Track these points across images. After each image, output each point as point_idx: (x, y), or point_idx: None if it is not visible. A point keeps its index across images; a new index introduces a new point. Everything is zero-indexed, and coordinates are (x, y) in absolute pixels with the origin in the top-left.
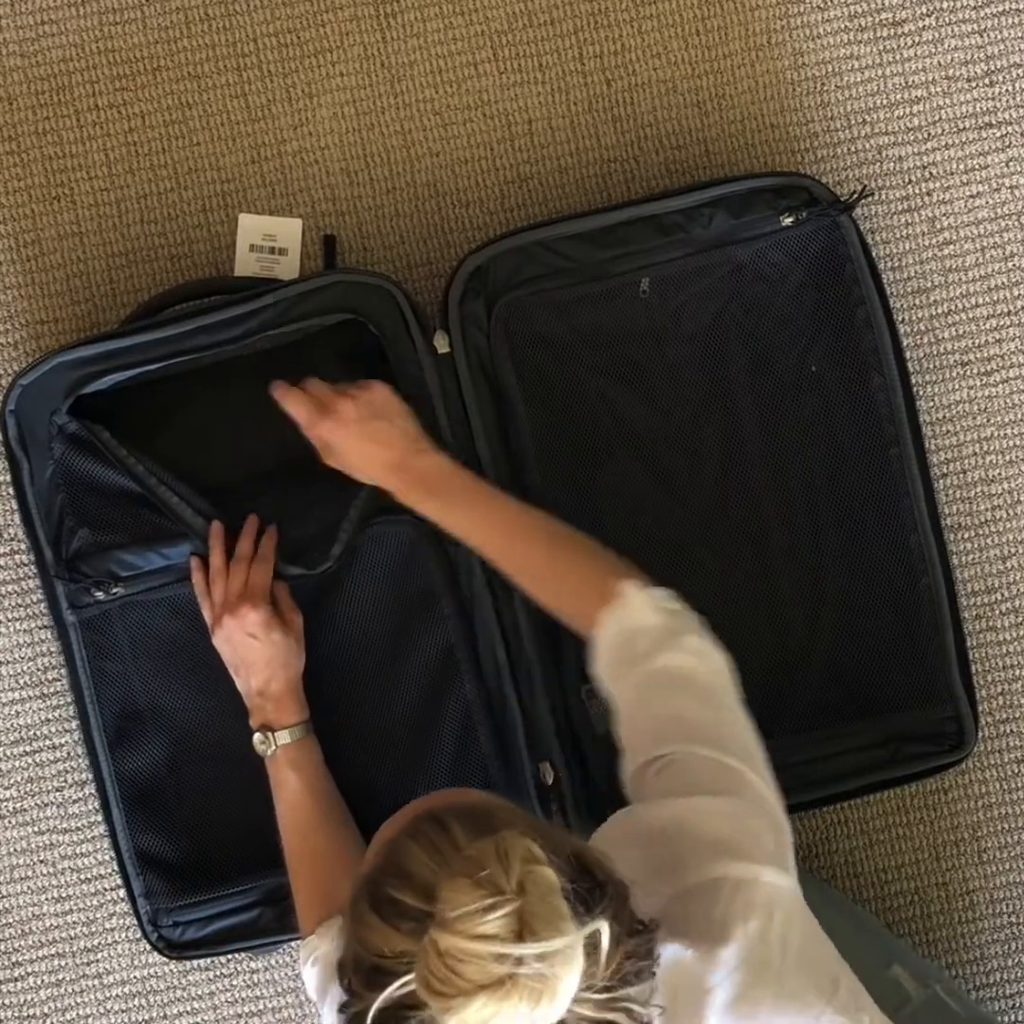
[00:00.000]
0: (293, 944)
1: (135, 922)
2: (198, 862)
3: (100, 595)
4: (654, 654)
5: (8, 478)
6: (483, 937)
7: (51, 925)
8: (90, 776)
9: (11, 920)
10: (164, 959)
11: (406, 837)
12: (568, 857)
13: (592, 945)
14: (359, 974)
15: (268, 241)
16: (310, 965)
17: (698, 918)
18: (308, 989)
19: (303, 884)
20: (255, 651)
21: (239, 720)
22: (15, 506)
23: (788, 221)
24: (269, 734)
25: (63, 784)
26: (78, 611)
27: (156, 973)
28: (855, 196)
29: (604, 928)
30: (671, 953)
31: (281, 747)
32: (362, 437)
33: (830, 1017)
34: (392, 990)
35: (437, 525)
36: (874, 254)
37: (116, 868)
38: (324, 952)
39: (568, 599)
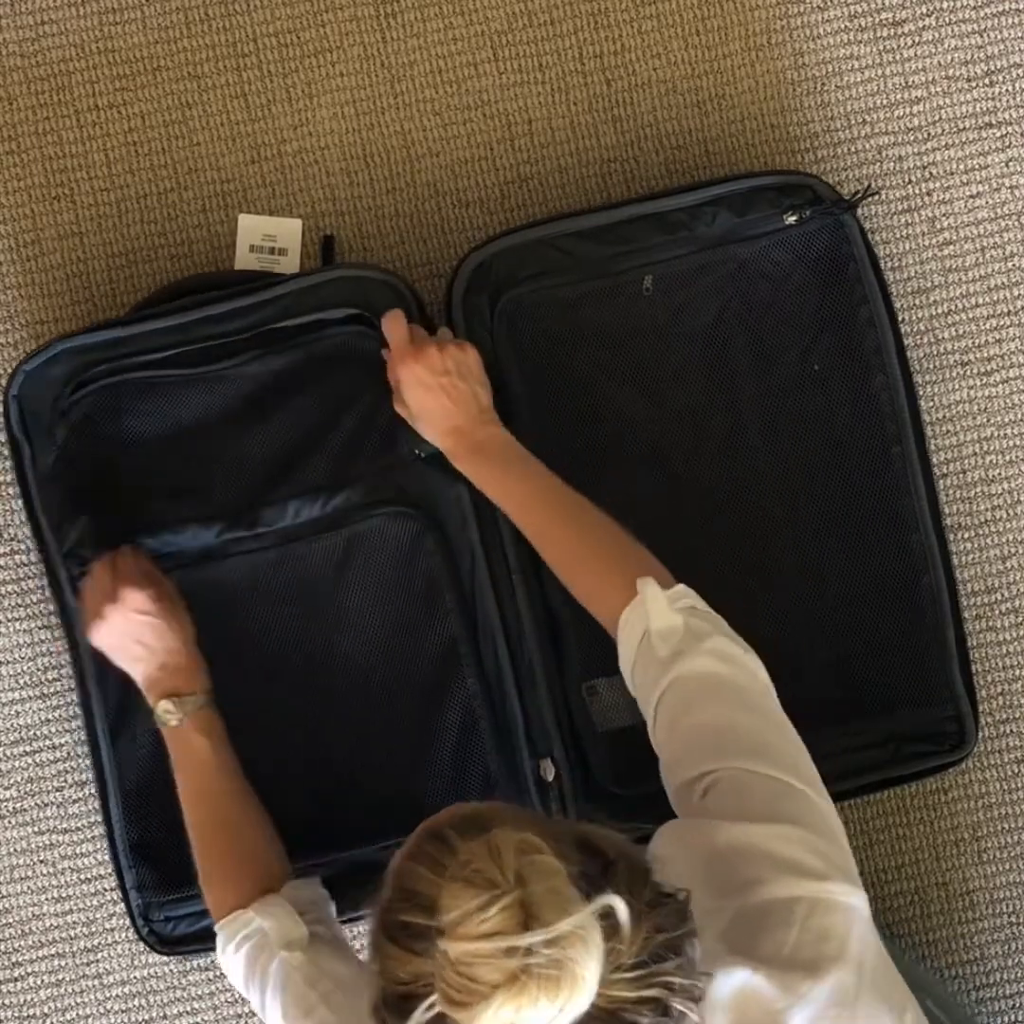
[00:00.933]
0: None
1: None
2: (192, 857)
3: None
4: (676, 659)
5: (9, 470)
6: (488, 935)
7: (51, 925)
8: (90, 776)
9: (11, 920)
10: (164, 959)
11: (409, 860)
12: (574, 843)
13: (610, 925)
14: (390, 1009)
15: (268, 241)
16: (234, 950)
17: (769, 939)
18: (232, 978)
19: (219, 856)
20: (151, 627)
21: (237, 713)
22: (16, 494)
23: (792, 220)
24: (177, 700)
25: (63, 784)
26: (79, 597)
27: (156, 973)
28: (859, 195)
29: (618, 903)
30: (740, 979)
31: (190, 714)
32: (437, 390)
33: None
34: (419, 1014)
35: (483, 491)
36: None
37: (110, 861)
38: (257, 929)
39: (591, 586)
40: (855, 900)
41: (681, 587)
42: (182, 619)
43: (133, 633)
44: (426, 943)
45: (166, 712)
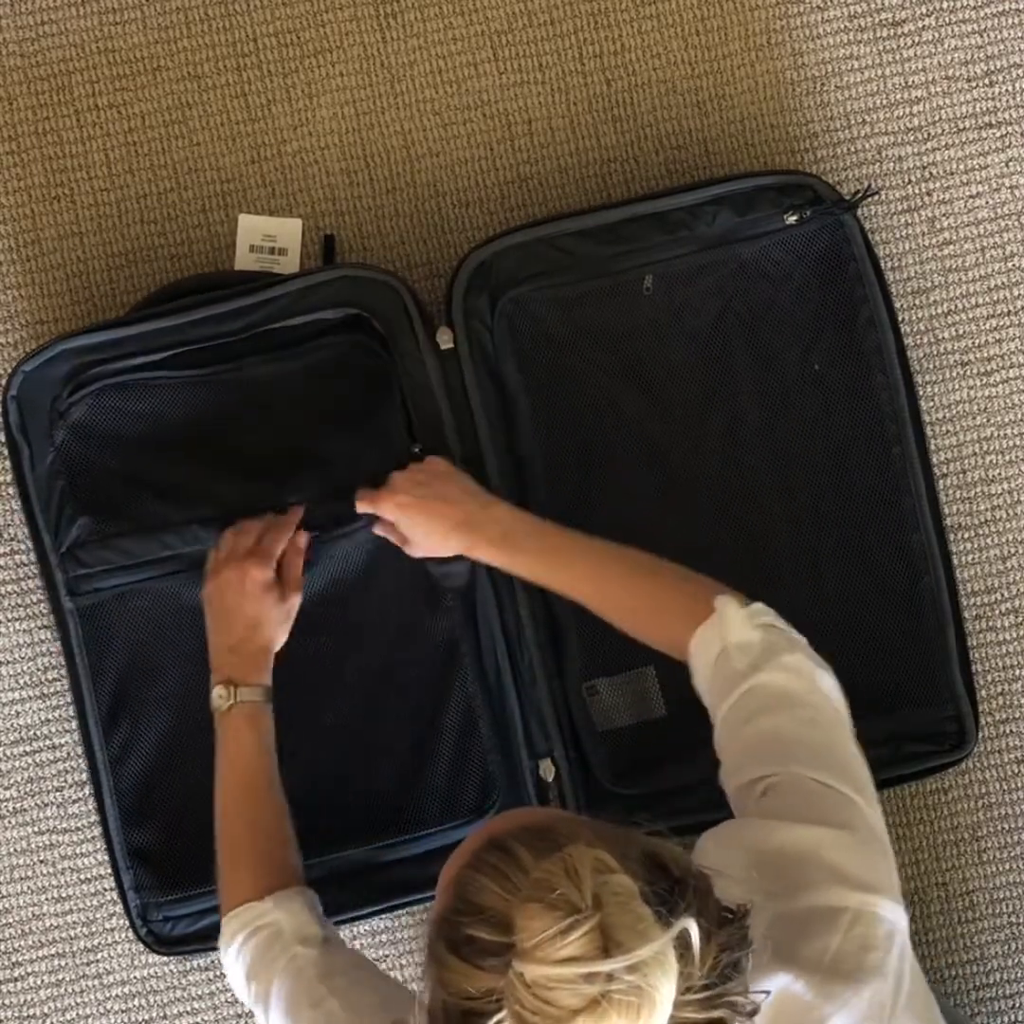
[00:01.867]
0: None
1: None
2: (189, 857)
3: (99, 584)
4: (752, 672)
5: (8, 470)
6: (568, 960)
7: (51, 925)
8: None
9: (11, 920)
10: (164, 959)
11: (471, 870)
12: (641, 858)
13: (683, 946)
14: (452, 1021)
15: (268, 241)
16: (244, 939)
17: (811, 945)
18: (233, 968)
19: (244, 846)
20: (244, 608)
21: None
22: (15, 493)
23: (792, 219)
24: (232, 688)
25: (63, 784)
26: (76, 599)
27: (156, 973)
28: (860, 195)
29: (691, 926)
30: (780, 983)
31: (241, 703)
32: (426, 500)
33: None
34: None
35: (520, 577)
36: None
37: (108, 862)
38: (273, 921)
39: (660, 626)
40: (899, 918)
41: (759, 605)
42: (278, 620)
43: (229, 602)
44: (496, 960)
45: (219, 696)
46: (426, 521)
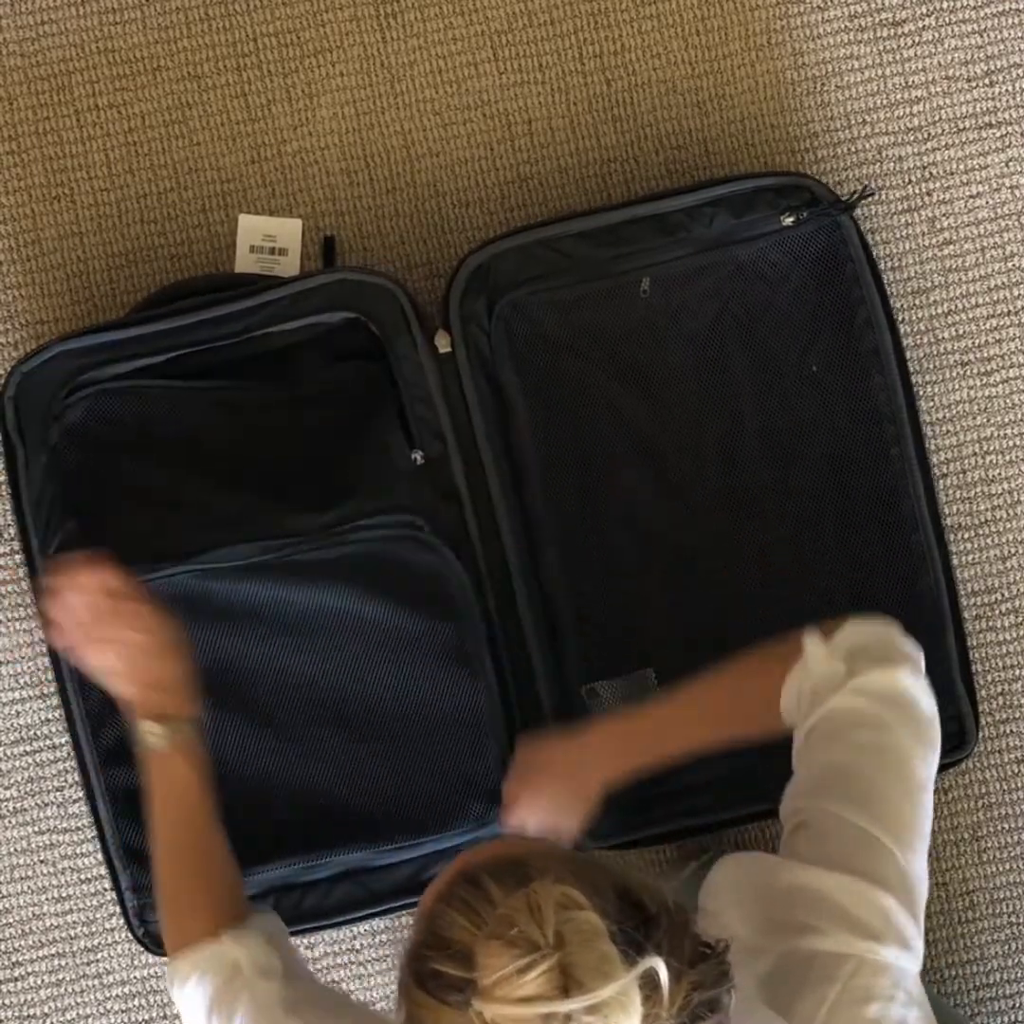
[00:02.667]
0: None
1: None
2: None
3: None
4: (825, 701)
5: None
6: (526, 999)
7: (51, 925)
8: None
9: (11, 920)
10: (164, 958)
11: (442, 903)
12: (613, 894)
13: (650, 985)
14: None
15: (268, 241)
16: (198, 980)
17: (809, 997)
18: (189, 1009)
19: (188, 884)
20: (139, 644)
21: (224, 715)
22: (9, 494)
23: (789, 221)
24: (164, 722)
25: (63, 784)
26: None
27: (156, 973)
28: (856, 196)
29: (659, 965)
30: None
31: (175, 739)
32: (540, 794)
33: None
34: None
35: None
36: (874, 254)
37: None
38: (230, 959)
39: (769, 700)
40: (909, 964)
41: (852, 625)
42: (175, 639)
43: (123, 649)
44: (460, 996)
45: (150, 733)
46: (557, 808)
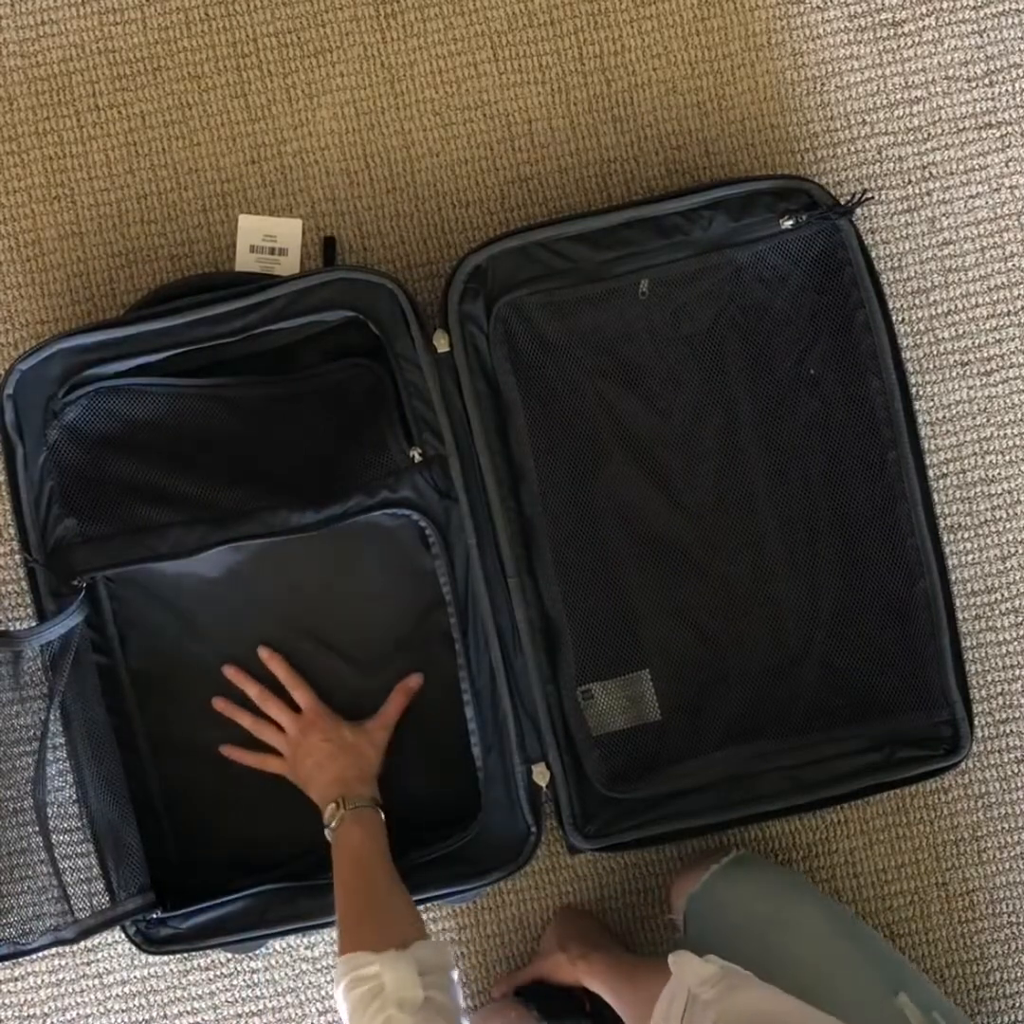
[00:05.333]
0: (275, 944)
1: None
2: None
3: (77, 583)
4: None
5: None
6: None
7: (51, 925)
8: None
9: (12, 920)
10: (164, 958)
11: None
12: None
13: None
14: None
15: (268, 241)
16: (347, 988)
17: None
18: (341, 1013)
19: (359, 908)
20: (327, 752)
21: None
22: (8, 492)
23: (788, 224)
24: (341, 801)
25: (64, 784)
26: (57, 600)
27: (156, 973)
28: (855, 200)
29: None
30: None
31: (351, 811)
32: None
33: None
34: None
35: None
36: (874, 254)
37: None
38: (375, 976)
39: None
40: None
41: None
42: (366, 749)
43: (315, 756)
44: None
45: (330, 814)
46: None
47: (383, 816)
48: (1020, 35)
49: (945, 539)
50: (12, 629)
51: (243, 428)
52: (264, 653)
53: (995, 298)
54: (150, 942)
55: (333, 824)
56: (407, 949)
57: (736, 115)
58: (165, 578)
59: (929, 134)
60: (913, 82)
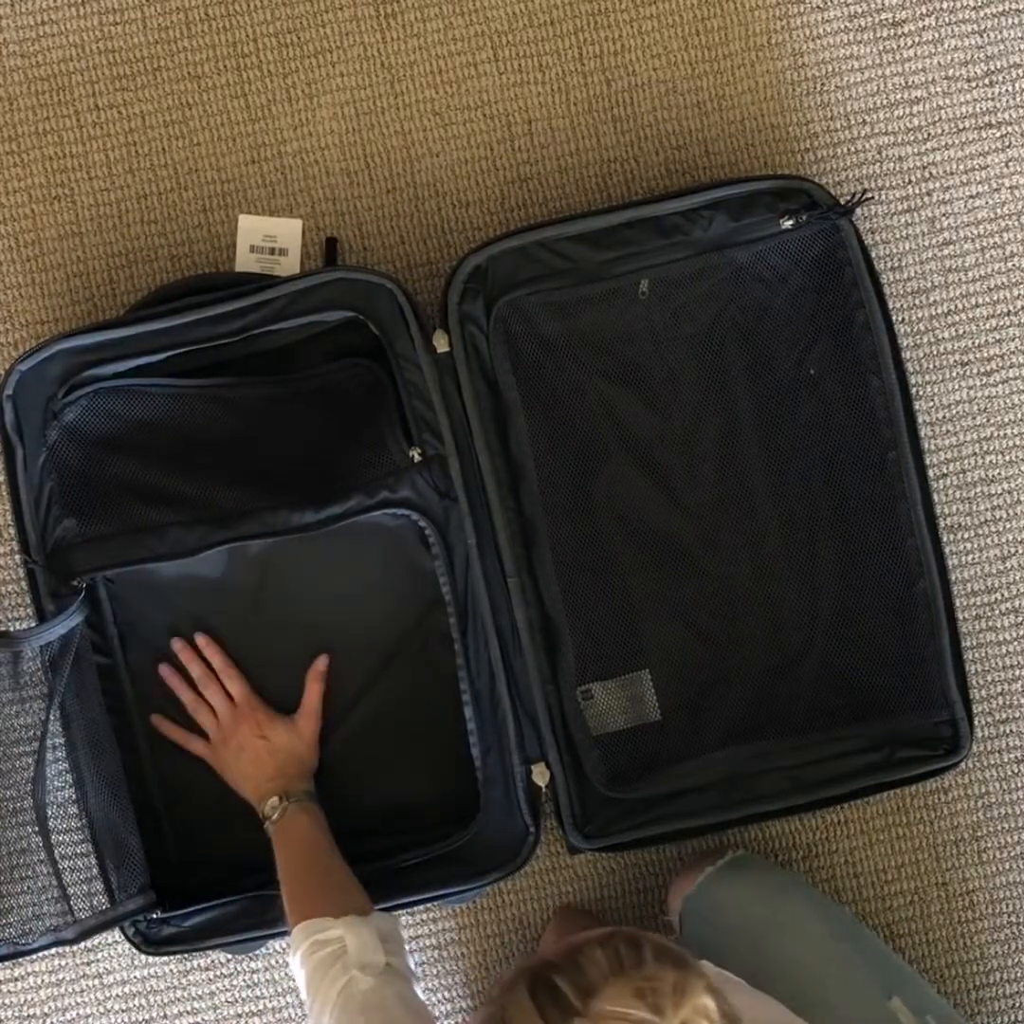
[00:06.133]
0: (275, 944)
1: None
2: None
3: (76, 584)
4: None
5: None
6: None
7: (51, 925)
8: None
9: (12, 920)
10: (164, 959)
11: (595, 943)
12: None
13: None
14: None
15: (268, 241)
16: (307, 952)
17: None
18: (297, 979)
19: (310, 885)
20: (263, 748)
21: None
22: (7, 493)
23: (788, 224)
24: (282, 796)
25: (64, 784)
26: (57, 600)
27: (156, 973)
28: (855, 200)
29: None
30: None
31: (295, 804)
32: None
33: None
34: None
35: None
36: (874, 254)
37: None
38: (338, 939)
39: None
40: None
41: None
42: (302, 746)
43: (247, 753)
44: (560, 1015)
45: (272, 807)
46: None
47: (312, 793)
48: (1020, 35)
49: (945, 539)
50: (12, 629)
51: (243, 428)
52: (201, 640)
53: (995, 298)
54: (150, 942)
55: (275, 817)
56: (366, 916)
57: (736, 115)
58: (165, 578)
59: (929, 134)
60: (913, 82)
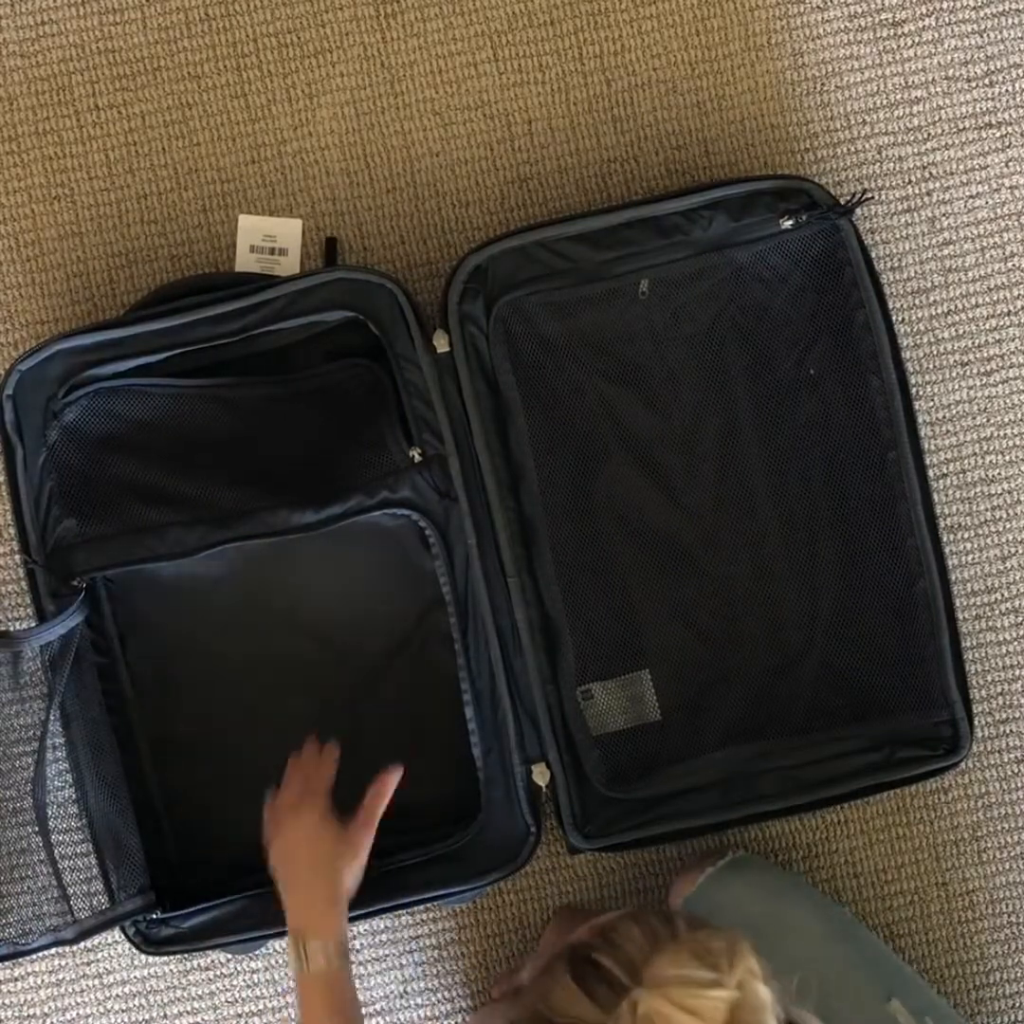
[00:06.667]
0: (275, 944)
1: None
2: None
3: (76, 584)
4: None
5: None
6: (691, 1011)
7: (51, 925)
8: None
9: (12, 920)
10: (164, 958)
11: (628, 919)
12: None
13: None
14: None
15: (268, 241)
16: None
17: None
18: None
19: None
20: (305, 862)
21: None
22: (8, 493)
23: (788, 224)
24: (301, 945)
25: (63, 784)
26: (57, 600)
27: (156, 973)
28: (855, 200)
29: None
30: None
31: (312, 962)
32: None
33: None
34: None
35: None
36: (874, 254)
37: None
38: None
39: None
40: None
41: None
42: (339, 860)
43: (290, 854)
44: (608, 992)
45: (298, 958)
46: None
47: (347, 939)
48: (1020, 35)
49: (945, 539)
50: (12, 629)
51: (243, 428)
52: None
53: (995, 298)
54: (150, 942)
55: (296, 967)
56: None
57: (736, 115)
58: (165, 578)
59: (929, 134)
60: (913, 82)
